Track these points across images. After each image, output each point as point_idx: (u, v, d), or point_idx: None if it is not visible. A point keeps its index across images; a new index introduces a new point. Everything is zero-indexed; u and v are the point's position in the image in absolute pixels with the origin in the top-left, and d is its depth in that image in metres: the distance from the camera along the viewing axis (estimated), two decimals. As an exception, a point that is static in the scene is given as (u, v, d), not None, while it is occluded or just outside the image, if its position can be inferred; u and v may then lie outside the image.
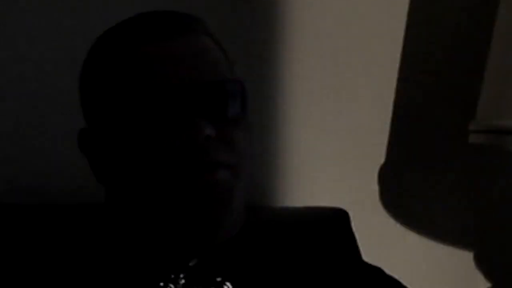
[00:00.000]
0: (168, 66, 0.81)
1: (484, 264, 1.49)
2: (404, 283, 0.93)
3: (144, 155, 0.80)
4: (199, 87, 0.81)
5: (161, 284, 0.81)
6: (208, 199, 0.80)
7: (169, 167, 0.79)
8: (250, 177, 0.86)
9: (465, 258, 1.49)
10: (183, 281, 0.82)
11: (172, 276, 0.82)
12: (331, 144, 1.39)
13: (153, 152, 0.80)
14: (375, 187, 1.43)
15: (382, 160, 1.43)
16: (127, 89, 0.81)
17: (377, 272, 0.93)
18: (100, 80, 0.85)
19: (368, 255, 1.16)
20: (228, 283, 0.83)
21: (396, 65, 1.43)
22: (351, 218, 1.25)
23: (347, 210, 1.26)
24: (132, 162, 0.81)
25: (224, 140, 0.81)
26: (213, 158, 0.80)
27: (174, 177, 0.79)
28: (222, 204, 0.81)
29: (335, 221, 1.24)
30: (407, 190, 1.47)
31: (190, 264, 0.83)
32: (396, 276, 0.93)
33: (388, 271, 0.93)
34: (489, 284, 1.48)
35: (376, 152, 1.43)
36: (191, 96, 0.80)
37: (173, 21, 0.85)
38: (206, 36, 0.86)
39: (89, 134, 0.88)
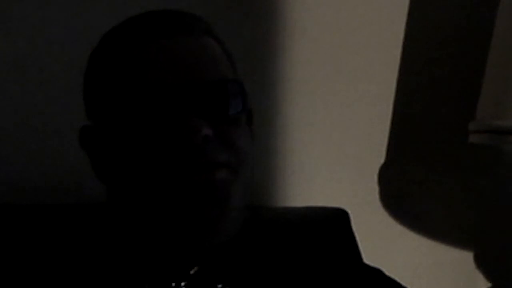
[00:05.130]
0: (169, 65, 0.82)
1: (484, 264, 1.49)
2: (404, 283, 0.93)
3: (142, 154, 0.81)
4: (199, 87, 0.81)
5: None
6: (205, 198, 0.80)
7: (167, 167, 0.80)
8: (251, 177, 0.86)
9: (465, 258, 1.49)
10: None
11: (173, 284, 0.82)
12: (331, 144, 1.39)
13: (151, 151, 0.80)
14: (375, 187, 1.43)
15: (382, 160, 1.43)
16: (128, 87, 0.82)
17: (377, 273, 0.93)
18: (103, 78, 0.86)
19: (368, 255, 1.16)
20: None
21: (396, 65, 1.43)
22: (351, 218, 1.25)
23: (347, 210, 1.26)
24: (131, 160, 0.81)
25: (223, 139, 0.81)
26: (211, 158, 0.80)
27: (172, 176, 0.80)
28: (220, 203, 0.81)
29: (335, 221, 1.24)
30: (407, 190, 1.47)
31: (191, 272, 0.83)
32: (396, 276, 0.93)
33: (388, 271, 0.93)
34: (489, 284, 1.48)
35: (376, 152, 1.43)
36: (191, 96, 0.80)
37: (175, 20, 0.85)
38: (208, 36, 0.87)
39: (91, 130, 0.88)
